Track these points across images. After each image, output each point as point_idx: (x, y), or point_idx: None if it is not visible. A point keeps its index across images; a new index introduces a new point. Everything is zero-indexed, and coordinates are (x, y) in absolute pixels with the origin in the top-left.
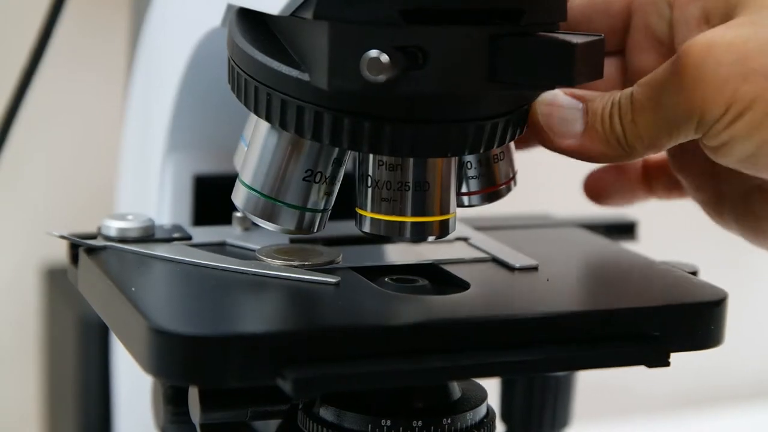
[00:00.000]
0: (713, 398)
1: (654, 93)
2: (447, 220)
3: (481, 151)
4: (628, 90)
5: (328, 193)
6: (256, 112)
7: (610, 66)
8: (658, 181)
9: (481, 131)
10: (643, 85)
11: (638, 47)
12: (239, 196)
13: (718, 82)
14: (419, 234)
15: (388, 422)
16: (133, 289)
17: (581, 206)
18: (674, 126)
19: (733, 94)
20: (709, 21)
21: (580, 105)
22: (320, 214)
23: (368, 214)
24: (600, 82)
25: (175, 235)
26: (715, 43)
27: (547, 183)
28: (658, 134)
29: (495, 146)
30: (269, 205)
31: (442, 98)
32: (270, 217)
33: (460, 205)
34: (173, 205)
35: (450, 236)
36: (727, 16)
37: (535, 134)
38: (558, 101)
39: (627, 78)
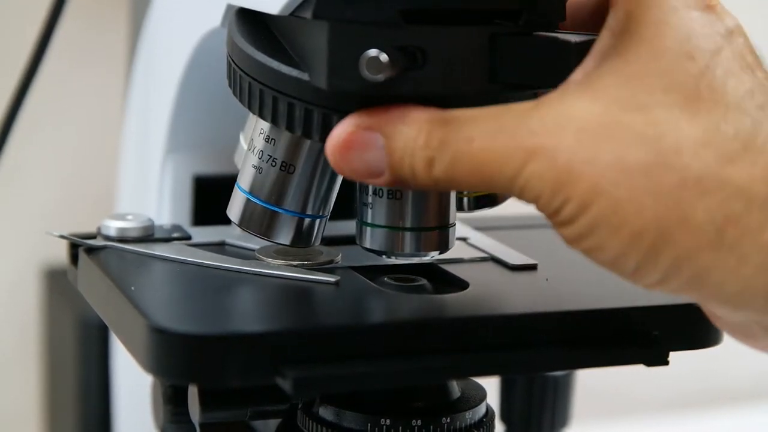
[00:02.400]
0: (712, 398)
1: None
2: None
3: None
4: (422, 139)
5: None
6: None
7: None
8: None
9: None
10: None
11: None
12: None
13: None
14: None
15: (388, 421)
16: (132, 288)
17: None
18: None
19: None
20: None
21: (380, 142)
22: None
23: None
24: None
25: (175, 234)
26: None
27: None
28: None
29: None
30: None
31: (440, 98)
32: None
33: (459, 209)
34: (173, 205)
35: None
36: (616, 44)
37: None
38: (354, 142)
39: None
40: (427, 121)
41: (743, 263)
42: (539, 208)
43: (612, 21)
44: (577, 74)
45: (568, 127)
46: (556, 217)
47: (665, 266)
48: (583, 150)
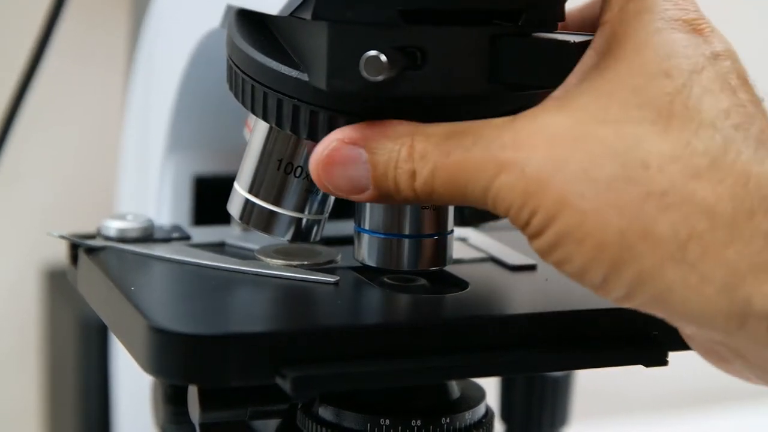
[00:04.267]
0: (712, 398)
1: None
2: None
3: None
4: (404, 152)
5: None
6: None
7: None
8: None
9: None
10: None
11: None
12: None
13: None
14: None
15: (387, 421)
16: (132, 288)
17: None
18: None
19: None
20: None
21: (364, 157)
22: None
23: None
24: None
25: (175, 235)
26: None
27: None
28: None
29: None
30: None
31: (439, 99)
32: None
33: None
34: (173, 206)
35: None
36: (599, 63)
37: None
38: (338, 157)
39: None
40: (409, 134)
41: (705, 282)
42: (511, 221)
43: (597, 41)
44: (558, 91)
45: (539, 139)
46: (526, 228)
47: (629, 280)
48: (552, 161)
